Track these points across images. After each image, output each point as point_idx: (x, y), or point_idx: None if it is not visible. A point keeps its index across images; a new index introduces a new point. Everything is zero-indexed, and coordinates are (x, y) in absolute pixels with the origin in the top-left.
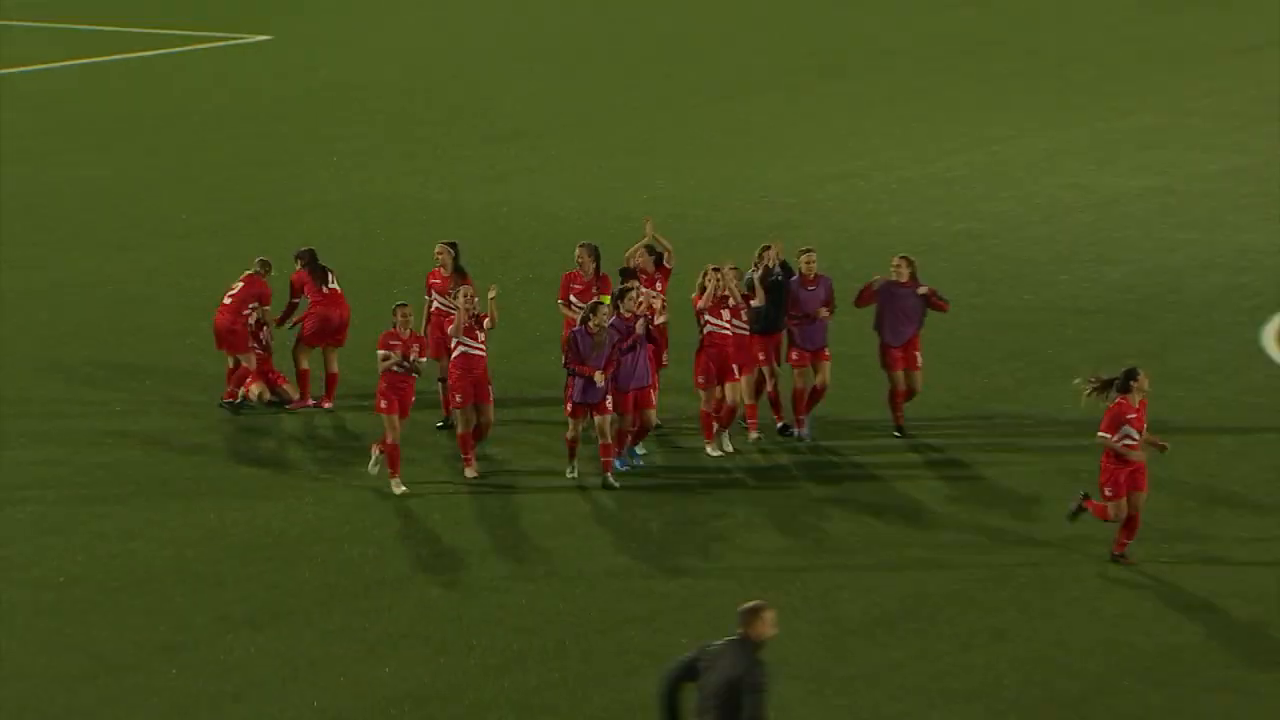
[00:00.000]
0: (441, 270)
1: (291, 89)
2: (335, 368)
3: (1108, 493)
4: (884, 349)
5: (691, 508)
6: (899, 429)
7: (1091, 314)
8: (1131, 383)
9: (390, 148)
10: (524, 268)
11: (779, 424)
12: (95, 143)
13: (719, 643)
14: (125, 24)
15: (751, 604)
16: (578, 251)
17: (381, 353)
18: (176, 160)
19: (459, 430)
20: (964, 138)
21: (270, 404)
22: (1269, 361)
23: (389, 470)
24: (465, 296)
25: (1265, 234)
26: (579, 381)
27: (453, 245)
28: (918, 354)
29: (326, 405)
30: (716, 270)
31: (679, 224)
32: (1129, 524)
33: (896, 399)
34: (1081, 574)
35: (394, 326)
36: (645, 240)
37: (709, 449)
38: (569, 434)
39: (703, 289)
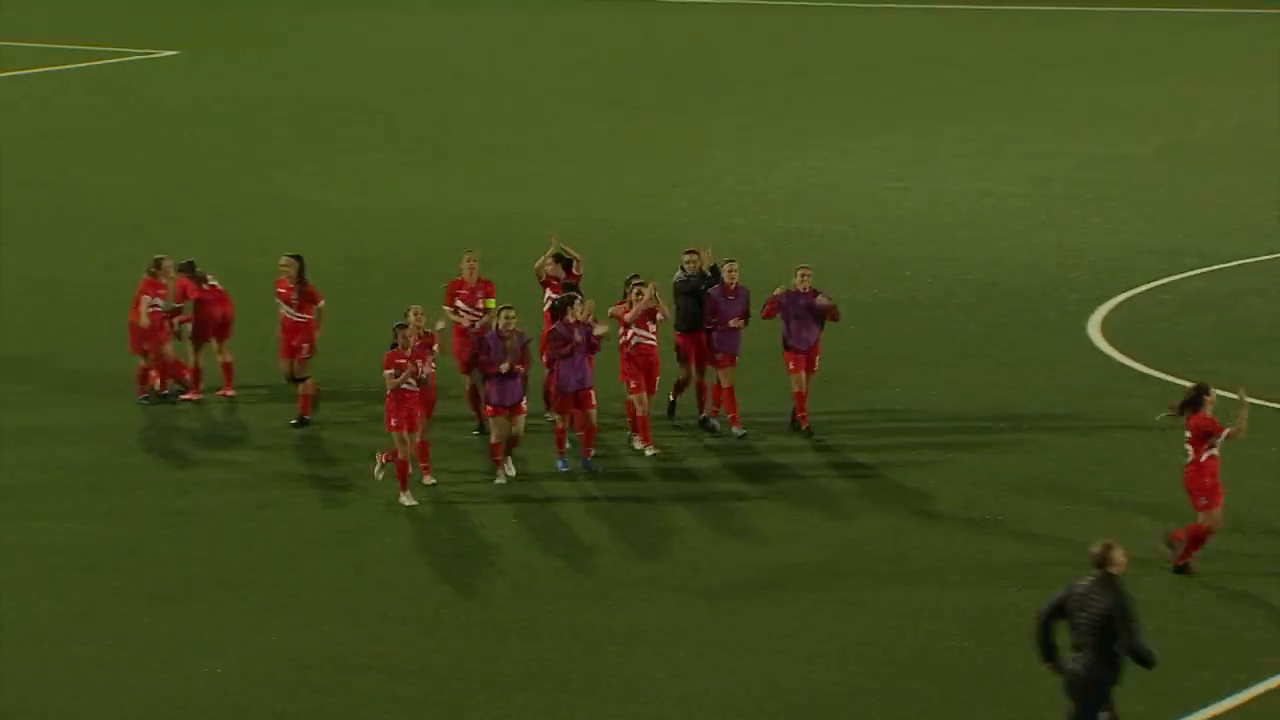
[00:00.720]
0: (286, 280)
1: (202, 101)
2: (228, 357)
3: (1204, 501)
4: (788, 352)
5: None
6: (800, 424)
7: (929, 307)
8: (1205, 398)
9: (305, 156)
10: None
11: (700, 416)
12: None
13: (1083, 582)
14: (25, 40)
15: (1102, 544)
16: (464, 259)
17: (389, 372)
18: (104, 167)
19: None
20: (797, 145)
21: (169, 394)
22: (1095, 350)
23: (398, 483)
24: (415, 315)
25: (1083, 233)
26: (495, 385)
27: (298, 257)
28: (817, 358)
29: (229, 393)
30: (640, 283)
31: (576, 227)
32: (1198, 535)
33: (799, 400)
34: (931, 546)
35: (395, 346)
36: (552, 250)
37: (645, 449)
38: (494, 438)
39: (629, 302)
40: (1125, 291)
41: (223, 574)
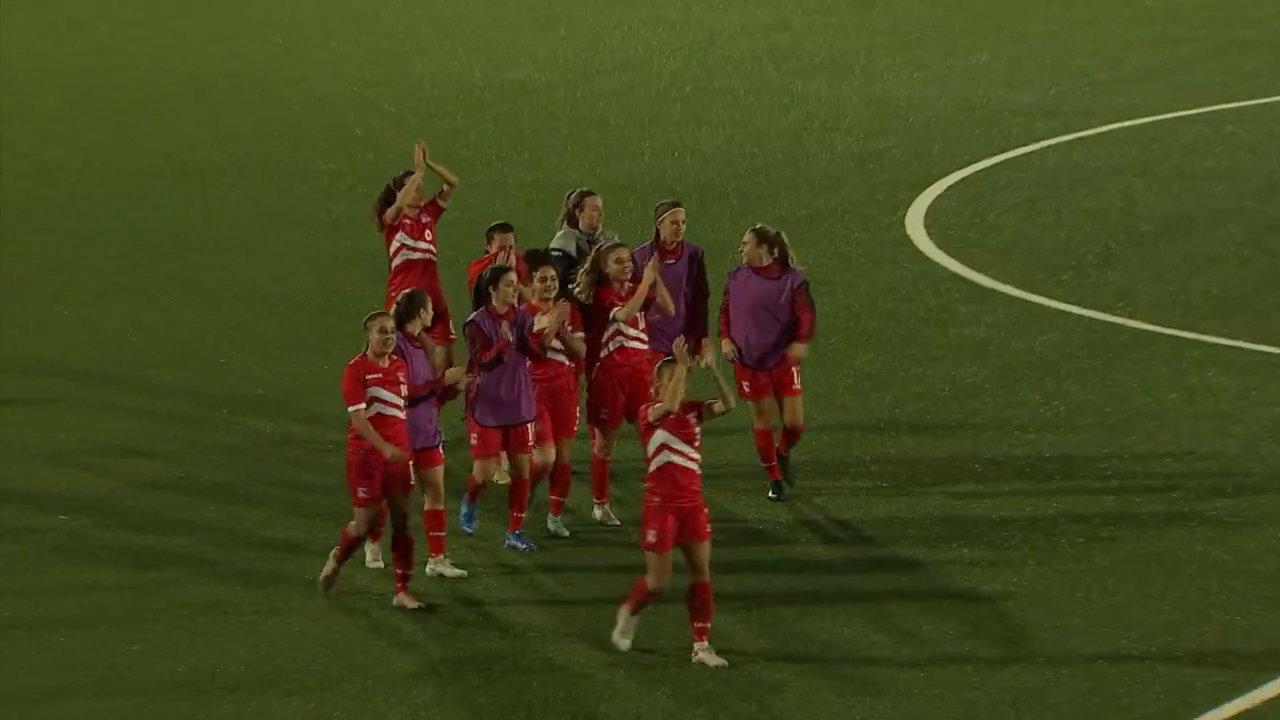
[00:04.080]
0: None
1: None
2: None
3: None
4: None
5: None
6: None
7: (683, 195)
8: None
9: None
10: None
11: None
12: None
13: None
14: None
15: None
16: None
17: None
18: None
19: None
20: None
21: None
22: (917, 253)
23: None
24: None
25: (906, 84)
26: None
27: None
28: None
29: None
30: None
31: None
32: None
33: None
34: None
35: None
36: (419, 173)
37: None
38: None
39: (603, 279)
40: (958, 170)
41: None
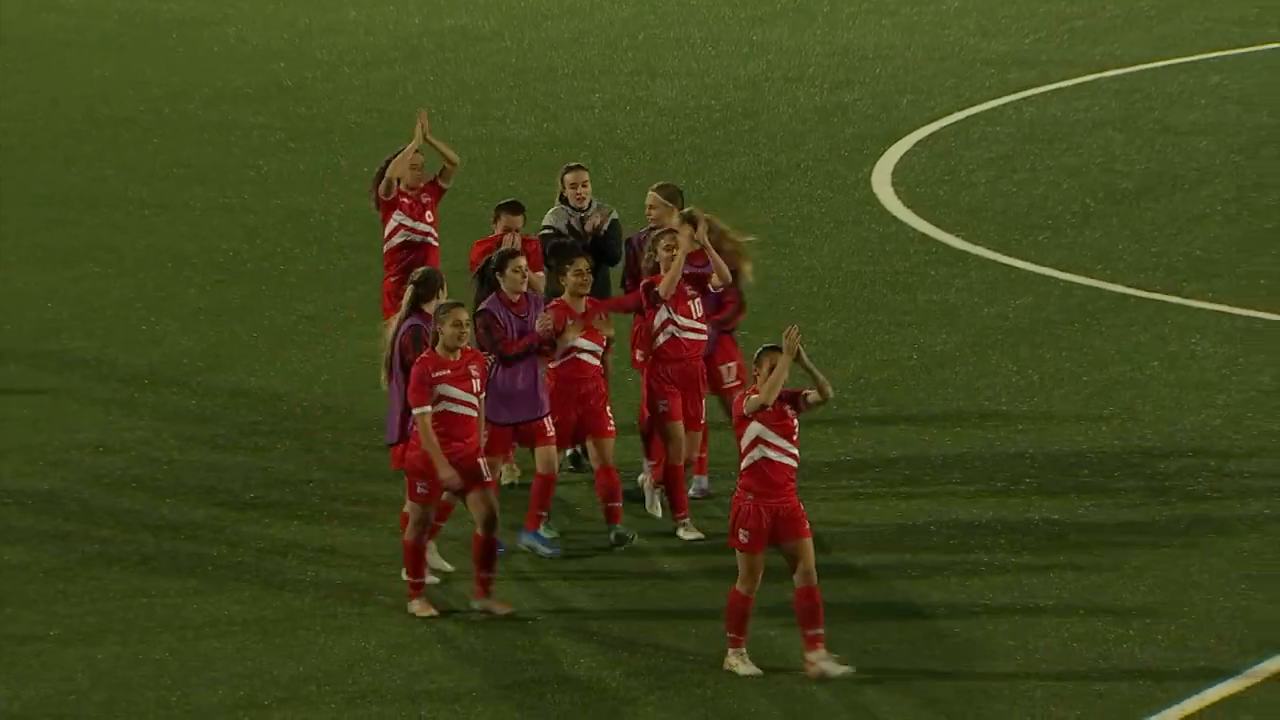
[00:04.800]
0: None
1: None
2: None
3: None
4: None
5: None
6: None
7: (635, 150)
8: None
9: None
10: None
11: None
12: None
13: None
14: None
15: None
16: None
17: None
18: None
19: None
20: None
21: None
22: (884, 213)
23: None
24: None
25: (872, 31)
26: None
27: None
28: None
29: None
30: (674, 230)
31: None
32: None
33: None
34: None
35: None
36: (414, 144)
37: (681, 532)
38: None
39: (654, 266)
40: (928, 124)
41: None
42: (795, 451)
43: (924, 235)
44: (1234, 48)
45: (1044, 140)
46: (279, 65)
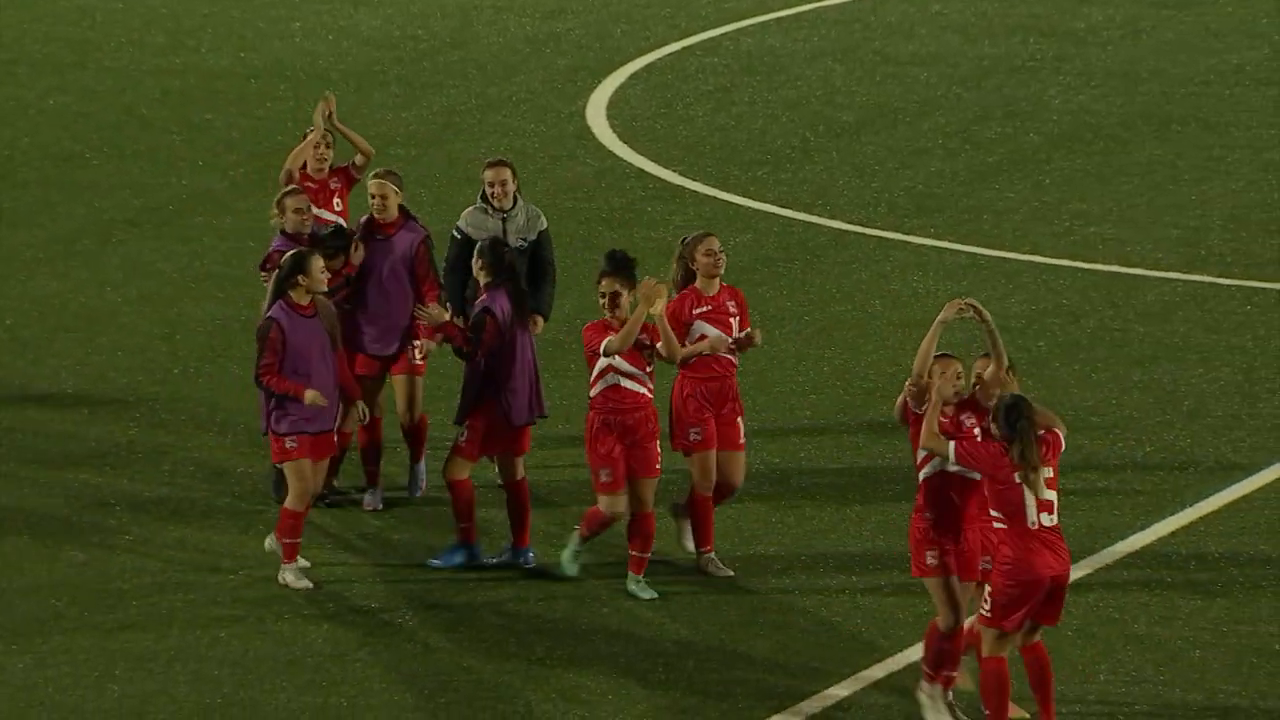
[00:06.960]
0: None
1: None
2: None
3: None
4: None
5: None
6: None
7: (339, 82)
8: None
9: None
10: None
11: None
12: None
13: None
14: None
15: None
16: None
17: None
18: None
19: None
20: None
21: None
22: (599, 147)
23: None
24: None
25: None
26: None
27: None
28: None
29: None
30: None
31: None
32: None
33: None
34: None
35: None
36: (315, 135)
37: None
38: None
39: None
40: (644, 55)
41: None
42: None
43: (641, 170)
44: None
45: (763, 72)
46: None
